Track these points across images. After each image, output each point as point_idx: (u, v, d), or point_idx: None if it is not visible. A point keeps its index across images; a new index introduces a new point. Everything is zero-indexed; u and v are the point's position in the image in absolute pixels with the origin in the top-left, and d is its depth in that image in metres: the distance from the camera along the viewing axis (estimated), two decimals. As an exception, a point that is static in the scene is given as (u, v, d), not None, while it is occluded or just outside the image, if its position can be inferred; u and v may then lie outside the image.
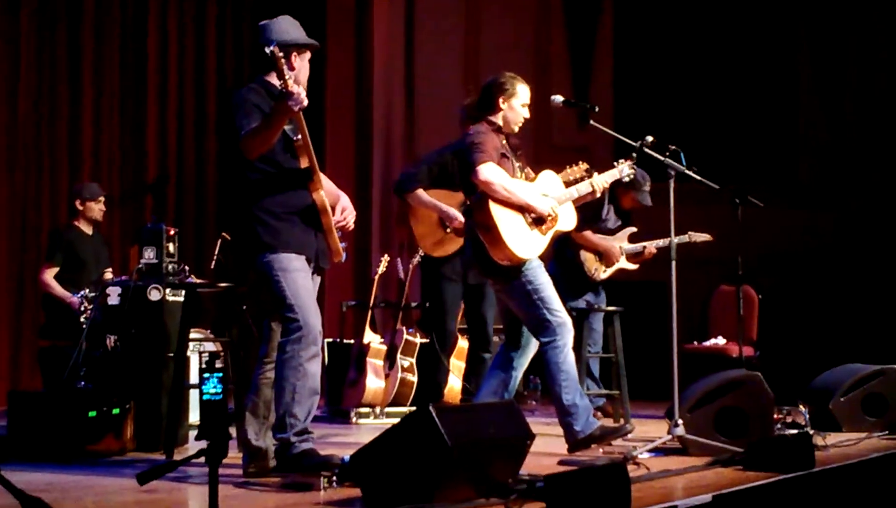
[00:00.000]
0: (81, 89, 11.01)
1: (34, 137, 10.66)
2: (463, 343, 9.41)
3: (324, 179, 5.79)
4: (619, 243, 8.99)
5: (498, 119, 6.71)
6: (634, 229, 9.08)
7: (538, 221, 6.57)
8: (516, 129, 6.77)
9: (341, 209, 5.82)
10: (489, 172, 6.43)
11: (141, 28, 11.50)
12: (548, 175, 6.78)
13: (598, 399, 8.92)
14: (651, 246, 8.95)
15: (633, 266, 9.05)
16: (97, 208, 8.94)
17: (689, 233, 8.80)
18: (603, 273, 8.98)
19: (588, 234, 8.79)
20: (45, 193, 10.71)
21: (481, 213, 6.48)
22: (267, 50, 5.38)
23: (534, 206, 6.53)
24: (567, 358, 6.54)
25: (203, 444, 3.87)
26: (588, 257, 8.92)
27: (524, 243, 6.50)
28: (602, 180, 6.88)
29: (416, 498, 4.68)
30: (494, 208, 6.44)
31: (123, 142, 11.35)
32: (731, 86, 13.11)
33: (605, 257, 8.95)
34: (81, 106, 11.02)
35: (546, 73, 12.66)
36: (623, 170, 7.03)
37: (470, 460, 4.79)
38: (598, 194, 6.94)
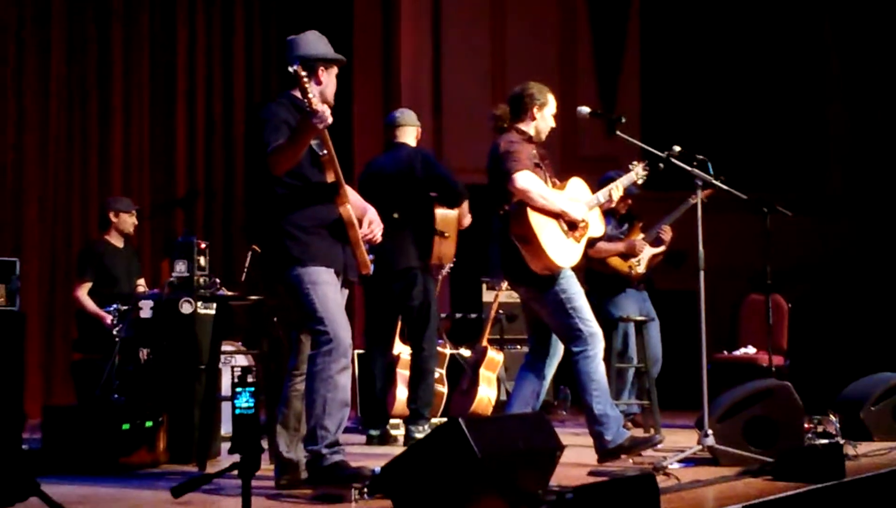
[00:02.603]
0: (111, 104, 11.10)
1: (65, 152, 10.75)
2: (493, 354, 9.45)
3: (350, 193, 5.83)
4: (634, 237, 8.98)
5: (529, 128, 6.74)
6: (640, 223, 9.08)
7: (572, 228, 6.59)
8: (544, 138, 6.82)
9: (368, 222, 5.85)
10: (526, 179, 6.46)
11: (169, 43, 11.58)
12: (576, 182, 6.79)
13: (630, 408, 8.93)
14: (663, 226, 8.92)
15: (659, 250, 9.03)
16: (130, 221, 9.00)
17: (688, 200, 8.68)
18: (640, 267, 8.96)
19: (601, 245, 8.73)
20: (75, 208, 10.79)
21: (519, 224, 6.49)
22: (291, 69, 5.42)
23: (569, 212, 6.55)
24: (598, 368, 6.56)
25: (236, 458, 3.90)
26: (616, 262, 8.90)
27: (563, 251, 6.52)
28: (620, 184, 6.92)
29: (447, 509, 4.71)
30: (533, 217, 6.46)
31: (153, 157, 11.42)
32: (760, 95, 13.10)
33: (630, 252, 8.93)
34: (111, 121, 11.10)
35: (572, 84, 12.66)
36: (638, 172, 7.07)
37: (499, 471, 4.81)
38: (615, 201, 6.96)
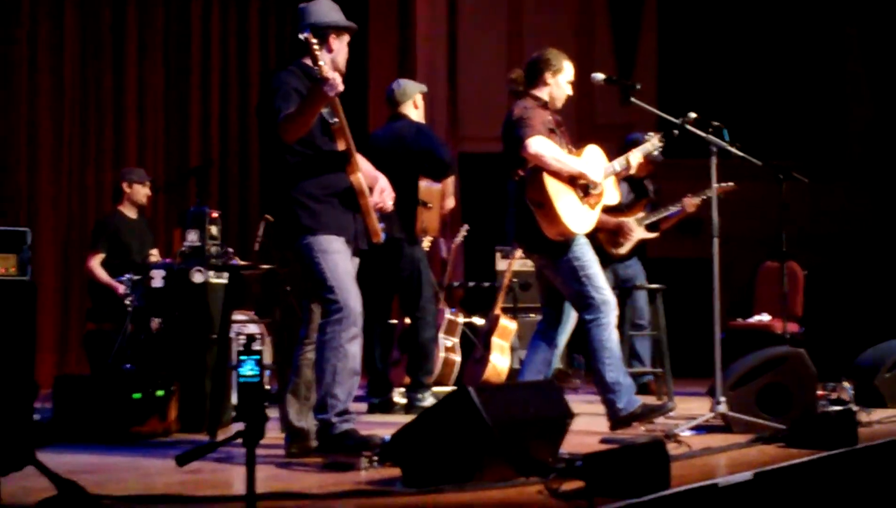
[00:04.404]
0: (125, 77, 11.11)
1: (80, 125, 10.77)
2: (506, 322, 9.44)
3: (361, 161, 5.80)
4: (633, 216, 8.93)
5: (544, 94, 6.71)
6: (645, 200, 9.04)
7: (587, 195, 6.56)
8: (560, 105, 6.78)
9: (379, 191, 5.83)
10: (539, 144, 6.43)
11: (184, 15, 11.56)
12: (593, 149, 6.76)
13: (644, 377, 8.93)
14: (688, 201, 8.88)
15: (651, 235, 9.00)
16: (143, 192, 9.01)
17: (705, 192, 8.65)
18: (622, 248, 8.93)
19: None
20: (90, 180, 10.81)
21: (535, 189, 6.47)
22: (301, 36, 5.39)
23: (586, 173, 6.53)
24: (611, 336, 6.54)
25: (241, 426, 3.89)
26: (602, 236, 8.83)
27: (578, 218, 6.50)
28: (636, 155, 6.88)
29: (457, 478, 4.70)
30: (549, 182, 6.43)
31: (168, 128, 11.45)
32: (779, 63, 13.03)
33: (620, 233, 8.89)
34: (125, 94, 11.11)
35: (589, 52, 12.61)
36: (654, 143, 7.03)
37: (510, 440, 4.80)
38: (633, 170, 6.94)
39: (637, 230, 8.94)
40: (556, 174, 6.46)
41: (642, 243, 9.13)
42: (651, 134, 7.13)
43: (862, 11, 13.06)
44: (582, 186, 6.56)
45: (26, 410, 6.33)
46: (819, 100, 13.11)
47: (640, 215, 8.96)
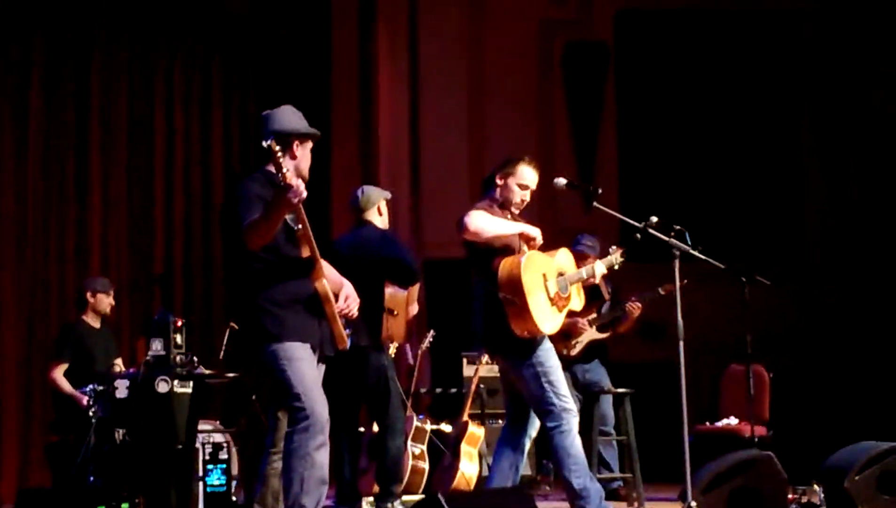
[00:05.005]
0: (89, 180, 11.11)
1: (42, 227, 10.73)
2: (473, 429, 9.38)
3: (326, 268, 5.80)
4: (586, 317, 8.92)
5: (497, 195, 6.71)
6: (600, 303, 9.04)
7: (557, 298, 6.55)
8: (515, 211, 6.75)
9: (344, 297, 5.81)
10: (474, 218, 6.44)
11: (147, 118, 11.60)
12: (564, 253, 6.78)
13: (614, 483, 8.87)
14: (630, 306, 8.90)
15: (603, 336, 9.00)
16: (107, 302, 8.97)
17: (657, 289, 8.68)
18: (575, 349, 8.93)
19: None
20: (52, 283, 10.76)
21: (510, 285, 6.43)
22: (264, 144, 5.41)
23: (525, 230, 6.52)
24: (574, 442, 6.49)
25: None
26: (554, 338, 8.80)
27: (546, 317, 6.49)
28: (601, 267, 6.94)
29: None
30: (526, 279, 6.40)
31: (131, 232, 11.40)
32: (737, 166, 13.19)
33: (572, 334, 8.89)
34: (89, 195, 11.10)
35: (551, 159, 12.66)
36: (616, 257, 7.12)
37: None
38: (596, 281, 6.99)
39: (589, 331, 8.95)
40: (531, 271, 6.44)
41: (603, 348, 9.12)
42: (614, 248, 7.18)
43: (817, 120, 13.27)
44: (528, 241, 6.54)
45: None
46: (777, 201, 13.25)
47: (593, 316, 8.97)
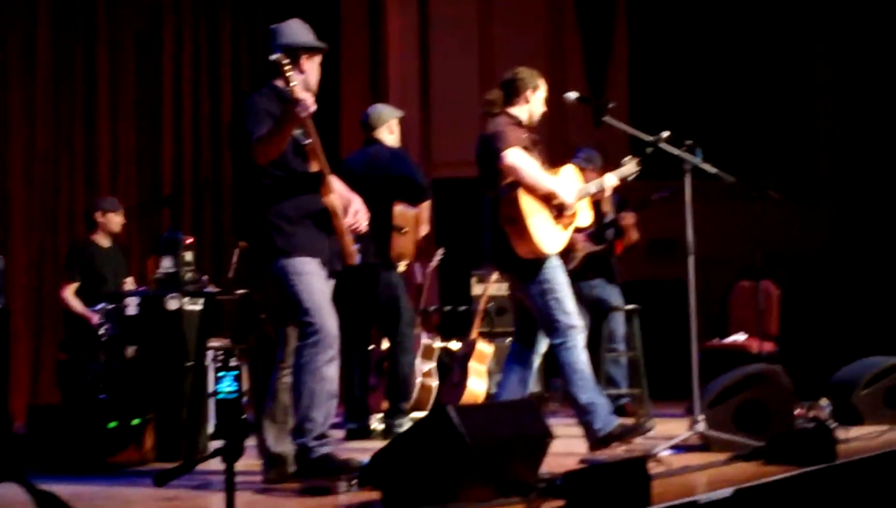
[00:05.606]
0: (97, 102, 11.05)
1: (52, 152, 10.69)
2: (482, 346, 9.41)
3: (335, 182, 5.78)
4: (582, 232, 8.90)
5: (522, 112, 6.69)
6: (603, 215, 9.02)
7: (560, 215, 6.55)
8: (536, 122, 6.76)
9: (353, 212, 5.79)
10: (516, 156, 6.42)
11: (155, 39, 11.53)
12: (568, 171, 6.76)
13: (621, 399, 8.90)
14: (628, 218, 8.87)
15: (598, 247, 8.98)
16: (116, 220, 8.98)
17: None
18: (571, 264, 8.91)
19: None
20: (62, 208, 10.73)
21: (509, 205, 6.45)
22: (272, 57, 5.38)
23: (559, 193, 6.51)
24: (580, 357, 6.52)
25: (220, 444, 3.84)
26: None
27: (549, 237, 6.49)
28: (612, 179, 6.89)
29: (437, 499, 4.67)
30: (523, 200, 6.41)
31: (140, 154, 11.37)
32: (748, 82, 13.10)
33: (568, 249, 8.87)
34: (97, 119, 11.05)
35: (561, 74, 12.61)
36: (631, 167, 6.99)
37: (489, 459, 4.77)
38: (608, 193, 6.95)
39: (585, 244, 8.93)
40: (530, 191, 6.44)
41: (606, 264, 9.10)
42: (629, 158, 7.08)
43: (830, 32, 13.14)
44: (556, 205, 6.54)
45: (4, 429, 6.26)
46: (790, 119, 13.17)
47: (590, 230, 8.92)
